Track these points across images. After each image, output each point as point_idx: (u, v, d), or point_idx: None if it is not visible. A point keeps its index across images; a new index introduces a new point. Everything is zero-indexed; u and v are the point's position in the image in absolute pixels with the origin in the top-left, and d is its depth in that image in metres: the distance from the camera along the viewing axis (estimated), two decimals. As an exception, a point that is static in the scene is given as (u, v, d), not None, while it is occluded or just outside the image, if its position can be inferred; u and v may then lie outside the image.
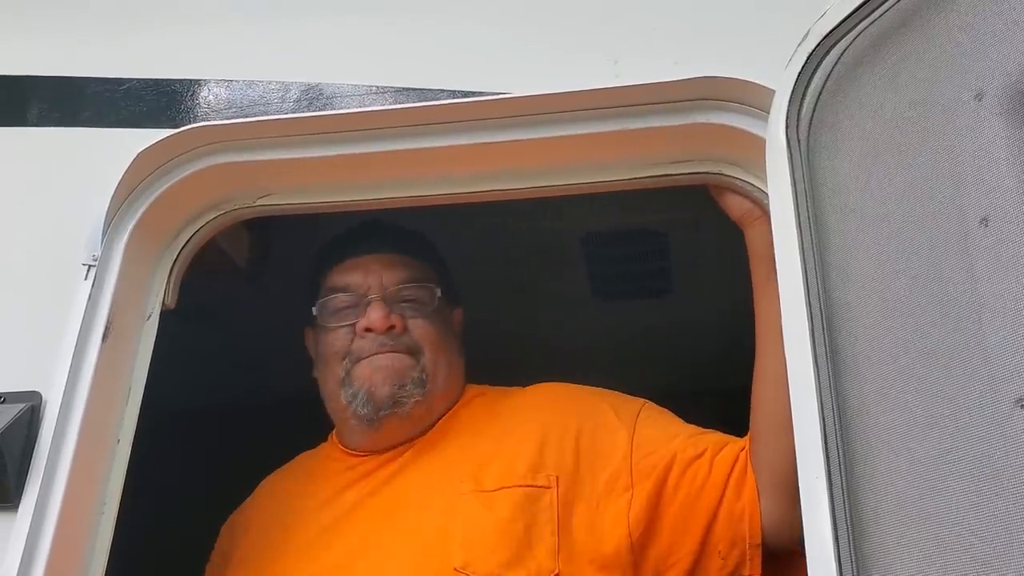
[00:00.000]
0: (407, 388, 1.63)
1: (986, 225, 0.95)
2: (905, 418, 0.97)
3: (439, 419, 1.68)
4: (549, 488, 1.48)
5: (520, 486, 1.49)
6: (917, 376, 0.97)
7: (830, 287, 1.10)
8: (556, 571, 1.42)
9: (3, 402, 1.37)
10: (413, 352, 1.67)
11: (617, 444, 1.54)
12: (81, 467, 1.36)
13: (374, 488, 1.62)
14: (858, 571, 0.94)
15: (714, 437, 1.54)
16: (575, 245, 2.57)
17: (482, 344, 1.82)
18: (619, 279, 2.73)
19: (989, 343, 0.91)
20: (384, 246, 1.74)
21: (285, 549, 1.60)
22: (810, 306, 1.09)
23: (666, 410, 1.63)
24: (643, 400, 1.64)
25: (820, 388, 1.04)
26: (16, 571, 1.25)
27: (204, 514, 1.79)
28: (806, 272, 1.11)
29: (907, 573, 0.92)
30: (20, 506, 1.30)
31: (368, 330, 1.66)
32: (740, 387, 1.60)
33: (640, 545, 1.47)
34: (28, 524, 1.29)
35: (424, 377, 1.65)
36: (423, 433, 1.67)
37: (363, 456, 1.67)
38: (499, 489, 1.49)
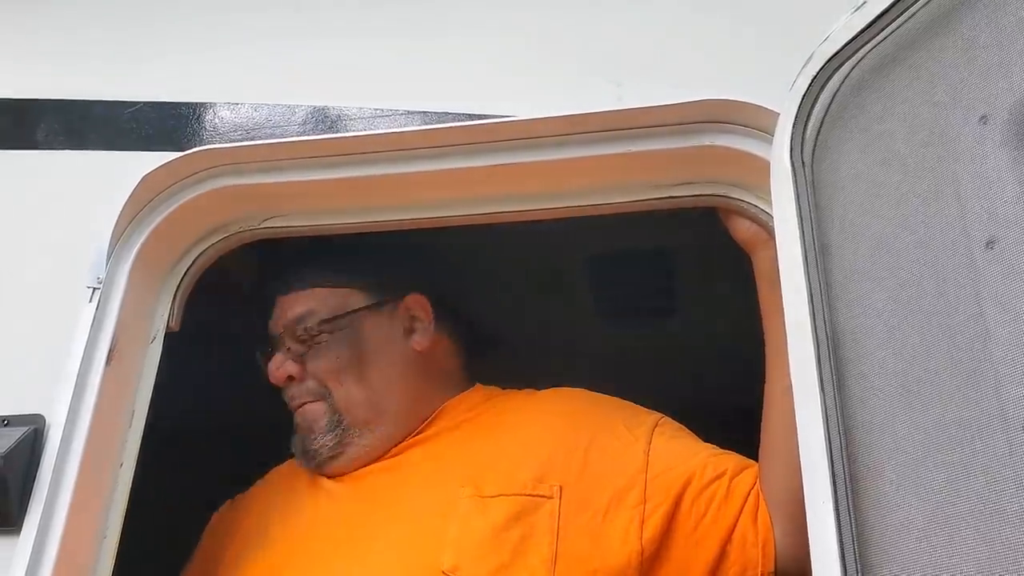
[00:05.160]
0: (318, 439, 1.61)
1: (992, 247, 0.94)
2: (912, 444, 0.96)
3: (424, 425, 1.64)
4: (551, 498, 1.44)
5: (520, 495, 1.44)
6: (924, 400, 0.97)
7: (835, 310, 1.10)
8: None
9: (6, 425, 1.37)
10: (321, 395, 1.64)
11: (630, 458, 1.50)
12: (84, 490, 1.35)
13: (364, 487, 1.59)
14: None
15: (734, 459, 1.51)
16: (582, 265, 2.57)
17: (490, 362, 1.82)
18: (625, 299, 2.72)
19: (997, 366, 0.90)
20: (290, 283, 1.71)
21: (265, 552, 1.57)
22: (815, 329, 1.08)
23: (682, 426, 1.59)
24: (659, 414, 1.60)
25: (826, 411, 1.03)
26: (18, 595, 1.25)
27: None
28: (811, 295, 1.10)
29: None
30: (22, 529, 1.30)
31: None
32: (741, 407, 1.60)
33: (650, 561, 1.43)
34: (30, 548, 1.28)
35: (337, 417, 1.62)
36: (416, 434, 1.63)
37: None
38: (498, 496, 1.45)
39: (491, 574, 1.38)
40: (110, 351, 1.43)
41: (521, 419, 1.62)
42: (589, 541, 1.43)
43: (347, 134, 1.50)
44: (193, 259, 1.59)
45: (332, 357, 1.65)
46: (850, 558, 0.95)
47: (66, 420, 1.36)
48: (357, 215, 1.57)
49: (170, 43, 1.71)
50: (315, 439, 1.62)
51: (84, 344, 1.41)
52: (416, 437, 1.64)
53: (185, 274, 1.58)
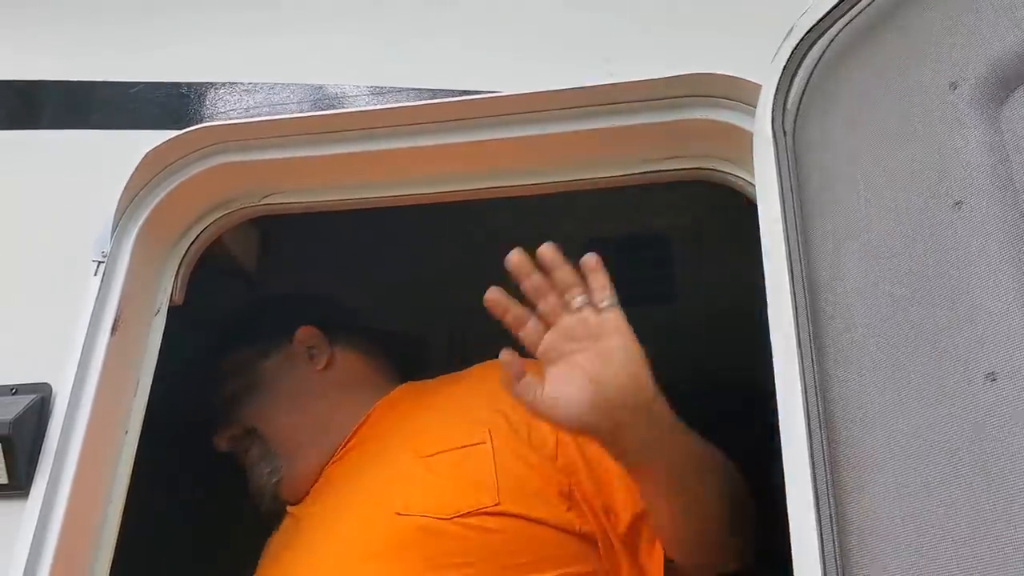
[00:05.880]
0: (260, 476, 1.76)
1: (960, 208, 0.98)
2: (885, 393, 0.99)
3: (355, 431, 1.73)
4: (484, 442, 1.51)
5: (455, 448, 1.52)
6: (898, 353, 1.00)
7: (814, 274, 1.13)
8: (497, 502, 1.44)
9: (15, 393, 1.41)
10: (253, 436, 1.78)
11: None
12: (89, 456, 1.39)
13: (316, 491, 1.71)
14: (840, 540, 0.97)
15: None
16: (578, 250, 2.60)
17: (480, 347, 1.86)
18: (622, 284, 2.74)
19: (962, 320, 0.94)
20: (212, 362, 1.86)
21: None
22: (794, 294, 1.12)
23: None
24: None
25: (803, 368, 1.07)
26: (27, 555, 1.29)
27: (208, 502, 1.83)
28: (790, 258, 1.14)
29: (885, 544, 0.95)
30: (30, 493, 1.34)
31: None
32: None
33: (571, 499, 1.49)
34: (38, 511, 1.32)
35: (268, 448, 1.76)
36: (350, 441, 1.73)
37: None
38: (436, 454, 1.53)
39: (441, 506, 1.45)
40: (114, 322, 1.47)
41: (447, 393, 1.71)
42: (525, 467, 1.49)
43: (343, 111, 1.54)
44: (196, 235, 1.63)
45: (252, 409, 1.81)
46: (824, 501, 0.99)
47: (72, 388, 1.40)
48: (354, 191, 1.61)
49: (171, 25, 1.75)
50: (258, 477, 1.76)
51: (89, 315, 1.45)
52: (351, 443, 1.73)
53: (188, 249, 1.62)
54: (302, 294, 2.03)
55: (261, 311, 1.96)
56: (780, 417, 1.07)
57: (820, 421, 1.02)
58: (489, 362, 1.72)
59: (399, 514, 1.46)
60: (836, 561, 0.95)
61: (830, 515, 0.98)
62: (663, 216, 2.46)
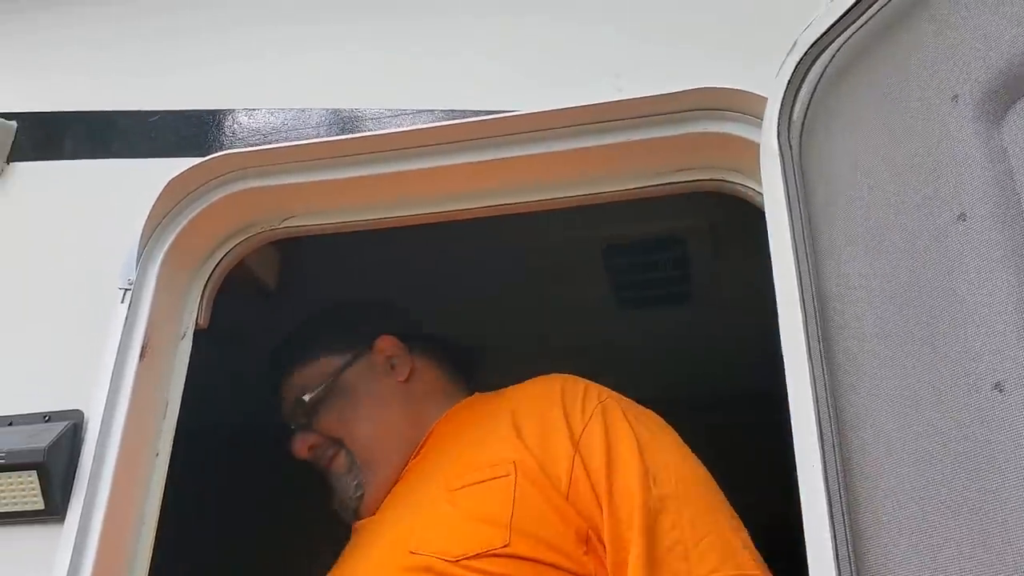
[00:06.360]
0: (350, 493, 1.74)
1: (964, 221, 1.00)
2: (895, 402, 1.01)
3: (420, 446, 1.74)
4: (508, 476, 1.48)
5: (480, 482, 1.50)
6: (902, 362, 1.02)
7: (822, 283, 1.15)
8: (507, 543, 1.41)
9: (48, 420, 1.45)
10: (338, 447, 1.78)
11: (561, 453, 1.51)
12: (122, 479, 1.43)
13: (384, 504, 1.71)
14: (855, 546, 0.99)
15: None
16: (594, 255, 2.62)
17: (501, 352, 1.88)
18: (638, 288, 2.76)
19: (968, 330, 0.96)
20: (281, 367, 1.87)
21: None
22: (803, 301, 1.14)
23: (617, 423, 1.54)
24: (596, 403, 1.57)
25: (814, 374, 1.09)
26: (64, 578, 1.33)
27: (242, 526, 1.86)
28: (799, 270, 1.16)
29: (898, 551, 0.97)
30: (66, 518, 1.38)
31: None
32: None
33: (590, 543, 1.44)
34: (74, 534, 1.37)
35: (356, 464, 1.75)
36: (415, 456, 1.73)
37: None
38: (462, 488, 1.51)
39: (450, 545, 1.43)
40: (143, 348, 1.51)
41: (491, 413, 1.68)
42: (546, 506, 1.45)
43: (359, 134, 1.57)
44: (218, 259, 1.67)
45: (334, 416, 1.80)
46: (834, 487, 1.01)
47: (103, 414, 1.45)
48: (372, 212, 1.64)
49: (188, 55, 1.79)
50: (345, 489, 1.75)
51: (118, 342, 1.50)
52: (416, 459, 1.74)
53: (211, 273, 1.66)
54: (375, 302, 1.99)
55: (337, 319, 1.94)
56: (793, 426, 1.09)
57: (832, 430, 1.04)
58: (537, 379, 1.70)
59: (412, 552, 1.45)
60: (851, 567, 0.97)
61: (844, 524, 1.00)
62: (679, 220, 2.48)
